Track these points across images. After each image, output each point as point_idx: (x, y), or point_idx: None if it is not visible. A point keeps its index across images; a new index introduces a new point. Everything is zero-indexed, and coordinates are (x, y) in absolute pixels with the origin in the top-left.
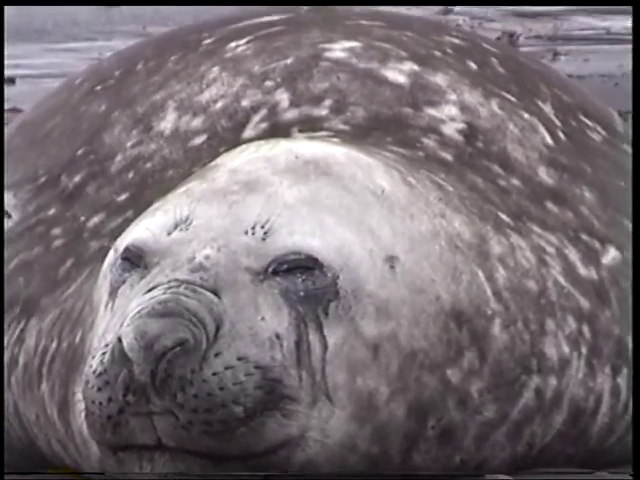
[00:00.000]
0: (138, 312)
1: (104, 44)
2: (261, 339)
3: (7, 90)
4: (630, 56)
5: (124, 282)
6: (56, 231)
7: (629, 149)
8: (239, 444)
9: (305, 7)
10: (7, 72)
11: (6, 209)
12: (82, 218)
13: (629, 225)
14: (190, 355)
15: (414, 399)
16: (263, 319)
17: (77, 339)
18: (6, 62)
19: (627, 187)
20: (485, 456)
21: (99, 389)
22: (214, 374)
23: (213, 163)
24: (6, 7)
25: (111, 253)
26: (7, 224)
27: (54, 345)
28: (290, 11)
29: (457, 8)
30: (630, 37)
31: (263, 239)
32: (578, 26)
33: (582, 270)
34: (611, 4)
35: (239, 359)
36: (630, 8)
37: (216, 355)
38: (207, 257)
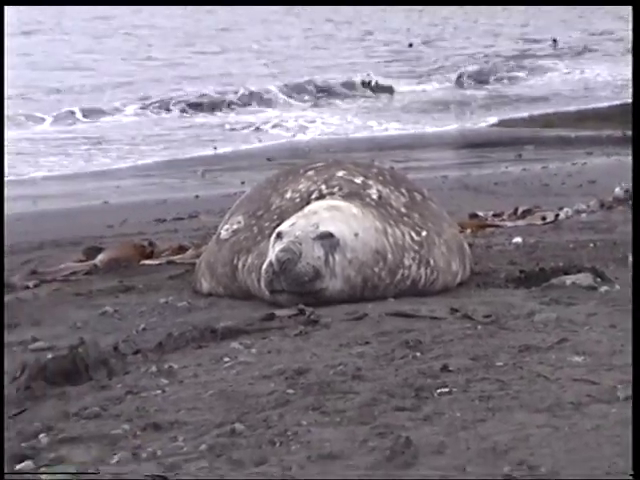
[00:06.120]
0: (277, 250)
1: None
2: (313, 257)
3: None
4: None
5: (275, 244)
6: (254, 227)
7: (431, 202)
8: (306, 289)
9: (331, 159)
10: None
11: (239, 220)
12: (262, 223)
13: (430, 225)
14: (290, 263)
15: (363, 277)
16: (314, 251)
17: (263, 258)
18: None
19: (428, 212)
20: (385, 294)
21: (265, 273)
22: (298, 268)
23: (304, 208)
24: None
25: (273, 234)
26: (239, 226)
27: (257, 262)
28: (325, 160)
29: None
30: None
31: (316, 228)
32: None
33: (416, 237)
34: (611, 4)
35: (307, 264)
36: None
37: (299, 262)
38: (298, 234)
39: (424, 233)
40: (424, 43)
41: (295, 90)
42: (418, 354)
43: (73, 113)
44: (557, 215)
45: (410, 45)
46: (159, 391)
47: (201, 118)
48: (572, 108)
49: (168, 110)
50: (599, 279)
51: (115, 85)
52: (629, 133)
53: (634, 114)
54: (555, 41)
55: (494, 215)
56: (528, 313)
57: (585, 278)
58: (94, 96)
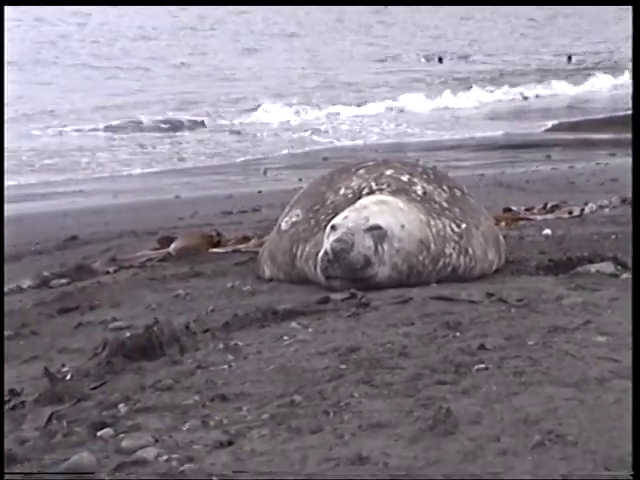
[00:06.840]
0: (332, 241)
1: (321, 171)
2: (364, 247)
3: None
4: None
5: (330, 235)
6: (312, 220)
7: (470, 198)
8: (358, 275)
9: (380, 159)
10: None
11: (297, 213)
12: (318, 216)
13: (469, 218)
14: (344, 252)
15: (408, 264)
16: (365, 241)
17: (319, 248)
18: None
19: (467, 207)
20: (428, 280)
21: (321, 261)
22: (351, 257)
23: (356, 202)
24: None
25: (328, 226)
26: (297, 218)
27: (313, 250)
28: (374, 159)
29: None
30: None
31: (367, 220)
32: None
33: (456, 229)
34: (611, 4)
35: (358, 252)
36: None
37: (352, 251)
38: (351, 226)
39: (463, 225)
40: (450, 58)
41: (347, 95)
42: (458, 334)
43: (165, 121)
44: (582, 210)
45: (440, 60)
46: (226, 366)
47: (259, 121)
48: (600, 115)
49: (226, 116)
50: (620, 267)
51: (180, 97)
52: None
53: (634, 115)
54: (570, 58)
55: (526, 209)
56: (557, 297)
57: (608, 266)
58: (163, 106)
